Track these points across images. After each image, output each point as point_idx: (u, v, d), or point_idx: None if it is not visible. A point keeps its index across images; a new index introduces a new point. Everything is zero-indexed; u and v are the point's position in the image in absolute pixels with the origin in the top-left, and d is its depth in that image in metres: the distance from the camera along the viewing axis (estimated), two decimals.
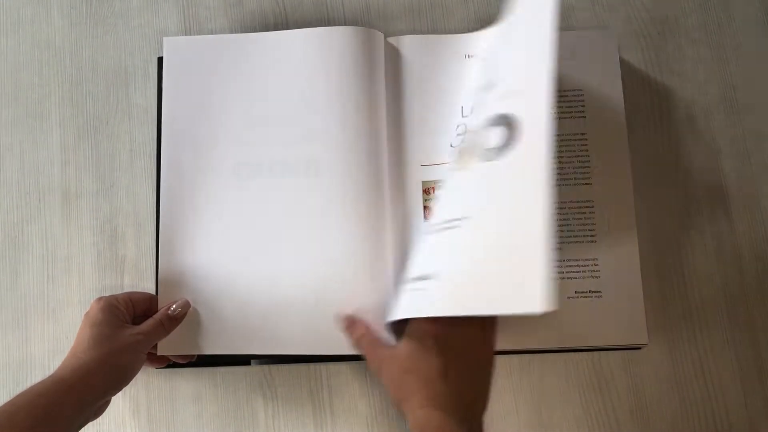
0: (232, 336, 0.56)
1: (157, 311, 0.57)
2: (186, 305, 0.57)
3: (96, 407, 0.50)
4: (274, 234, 0.58)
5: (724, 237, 0.62)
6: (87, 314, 0.53)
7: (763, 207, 0.62)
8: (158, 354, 0.57)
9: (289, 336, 0.56)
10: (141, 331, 0.53)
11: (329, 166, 0.58)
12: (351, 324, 0.55)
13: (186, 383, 0.60)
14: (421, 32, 0.66)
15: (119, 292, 0.62)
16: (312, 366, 0.60)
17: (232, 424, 0.60)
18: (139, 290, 0.61)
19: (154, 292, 0.59)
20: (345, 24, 0.67)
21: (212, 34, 0.66)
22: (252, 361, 0.60)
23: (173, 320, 0.56)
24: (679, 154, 0.63)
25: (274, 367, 0.60)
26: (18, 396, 0.46)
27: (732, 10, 0.66)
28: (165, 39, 0.61)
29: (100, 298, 0.54)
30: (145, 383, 0.60)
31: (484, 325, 0.50)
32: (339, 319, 0.55)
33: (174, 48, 0.62)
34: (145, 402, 0.60)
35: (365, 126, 0.58)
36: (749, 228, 0.62)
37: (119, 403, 0.60)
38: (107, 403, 0.52)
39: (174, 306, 0.56)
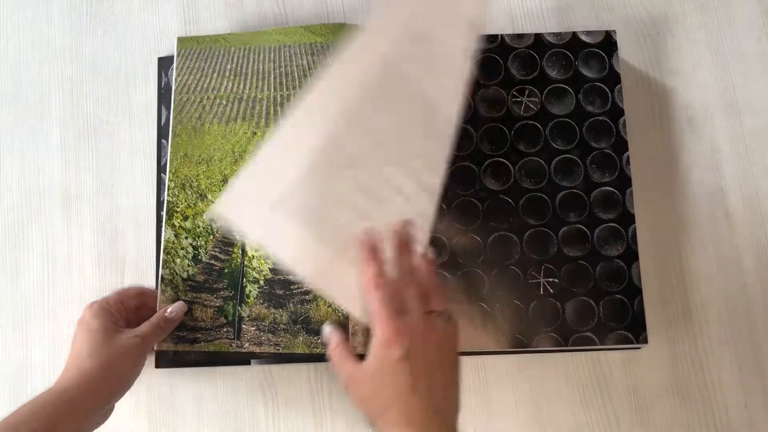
0: None
1: (150, 303, 0.57)
2: (182, 308, 0.57)
3: (101, 413, 0.50)
4: None
5: (724, 237, 0.62)
6: (80, 321, 0.52)
7: (763, 207, 0.62)
8: (157, 350, 0.57)
9: None
10: (138, 334, 0.52)
11: None
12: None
13: (186, 383, 0.60)
14: None
15: None
16: (312, 366, 0.60)
17: (232, 424, 0.59)
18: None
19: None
20: (345, 24, 0.66)
21: (212, 34, 0.66)
22: (252, 361, 0.60)
23: (170, 322, 0.56)
24: (679, 155, 0.63)
25: (274, 367, 0.60)
26: (21, 408, 0.46)
27: (732, 10, 0.66)
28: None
29: (92, 303, 0.53)
30: (146, 383, 0.60)
31: (447, 328, 0.48)
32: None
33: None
34: (146, 402, 0.60)
35: None
36: (749, 228, 0.62)
37: (119, 403, 0.60)
38: (112, 409, 0.52)
39: (170, 309, 0.56)
